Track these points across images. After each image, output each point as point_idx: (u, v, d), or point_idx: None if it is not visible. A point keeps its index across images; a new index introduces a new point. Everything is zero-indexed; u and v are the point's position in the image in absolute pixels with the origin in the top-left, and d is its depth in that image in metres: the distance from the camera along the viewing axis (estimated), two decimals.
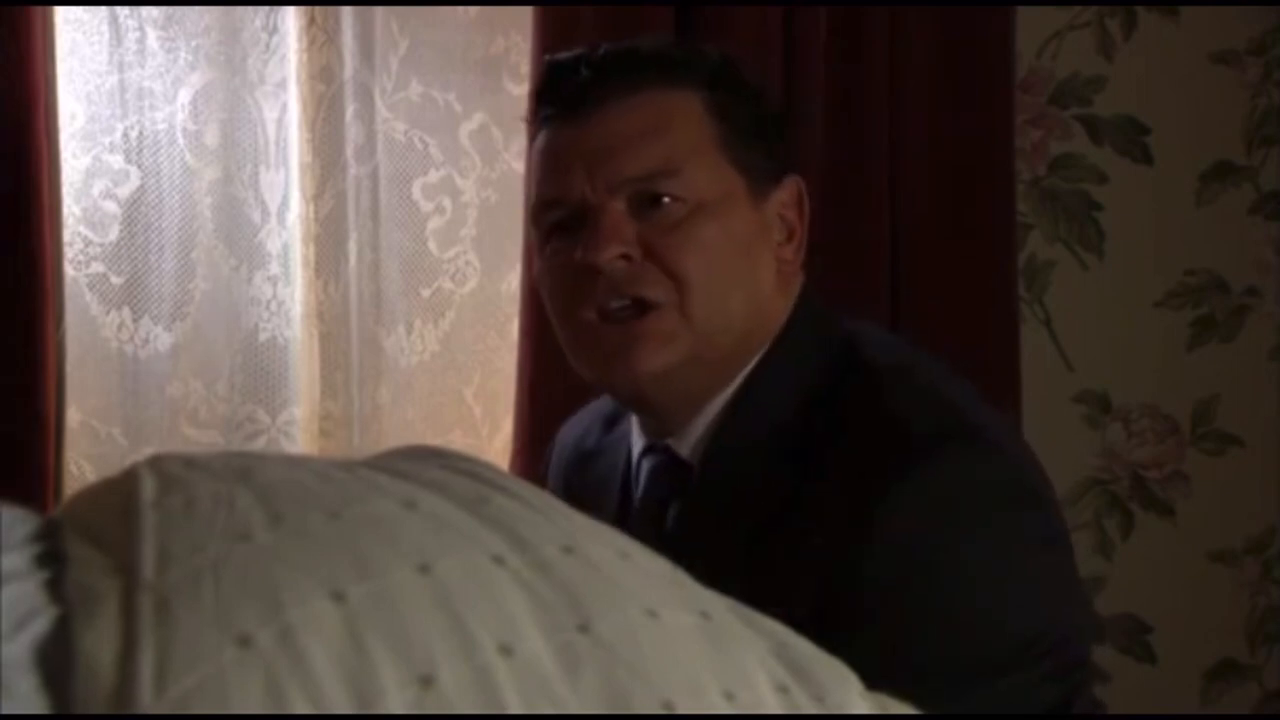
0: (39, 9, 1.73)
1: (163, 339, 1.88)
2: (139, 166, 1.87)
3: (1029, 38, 2.25)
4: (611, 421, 1.40)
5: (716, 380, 1.24)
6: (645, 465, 1.30)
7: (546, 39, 1.89)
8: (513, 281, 2.01)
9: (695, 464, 1.26)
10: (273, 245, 1.92)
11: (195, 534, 0.48)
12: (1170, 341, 2.34)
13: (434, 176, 2.00)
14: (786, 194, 1.28)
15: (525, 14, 1.96)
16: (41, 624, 0.46)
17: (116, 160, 1.86)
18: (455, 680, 0.45)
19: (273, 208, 1.91)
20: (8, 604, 0.46)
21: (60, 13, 1.80)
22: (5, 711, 0.43)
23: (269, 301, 1.92)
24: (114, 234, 1.86)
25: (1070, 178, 2.31)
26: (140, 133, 1.87)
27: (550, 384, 1.82)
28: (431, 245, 2.00)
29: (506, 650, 0.46)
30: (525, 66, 1.99)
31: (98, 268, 1.86)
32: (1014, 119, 2.18)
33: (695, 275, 1.20)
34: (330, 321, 1.94)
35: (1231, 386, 2.35)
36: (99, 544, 0.49)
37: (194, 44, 1.89)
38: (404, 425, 1.99)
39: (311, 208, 1.92)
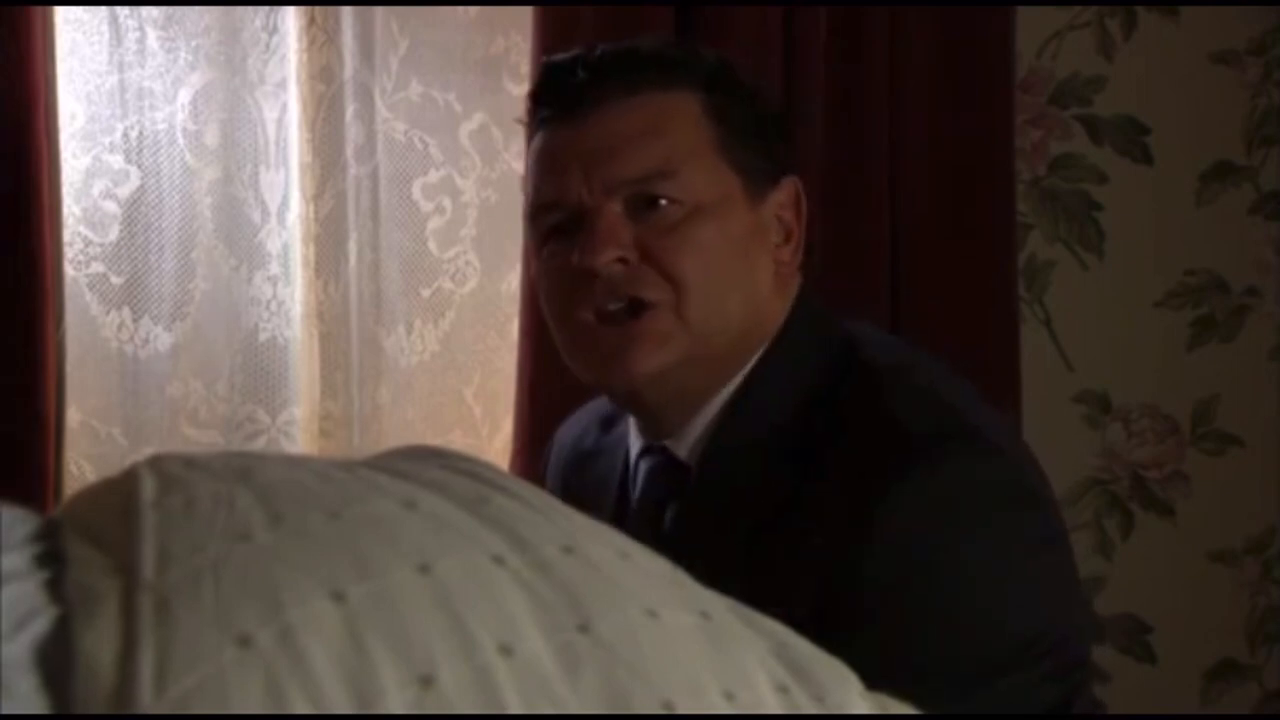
0: (39, 9, 1.73)
1: (163, 339, 1.88)
2: (139, 166, 1.87)
3: (1029, 38, 2.25)
4: (609, 422, 1.40)
5: (713, 381, 1.24)
6: (643, 466, 1.30)
7: (546, 39, 1.89)
8: (513, 281, 2.01)
9: (693, 465, 1.25)
10: (273, 245, 1.92)
11: (195, 534, 0.48)
12: (1170, 341, 2.34)
13: (434, 176, 2.00)
14: (784, 195, 1.27)
15: (525, 14, 1.96)
16: (41, 624, 0.46)
17: (116, 160, 1.86)
18: (455, 680, 0.45)
19: (273, 208, 1.91)
20: (8, 604, 0.46)
21: (60, 13, 1.80)
22: (5, 711, 0.43)
23: (269, 301, 1.92)
24: (114, 234, 1.86)
25: (1070, 178, 2.31)
26: (140, 133, 1.87)
27: (550, 384, 1.82)
28: (431, 245, 2.00)
29: (506, 650, 0.46)
30: (525, 66, 1.99)
31: (98, 268, 1.86)
32: (1014, 119, 2.18)
33: (692, 277, 1.20)
34: (330, 321, 1.94)
35: (1231, 386, 2.35)
36: (99, 544, 0.49)
37: (194, 44, 1.89)
38: (404, 425, 1.99)
39: (311, 208, 1.92)
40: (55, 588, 0.47)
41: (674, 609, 0.52)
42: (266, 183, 1.91)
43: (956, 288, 2.10)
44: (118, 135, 1.86)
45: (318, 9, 1.92)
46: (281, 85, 1.92)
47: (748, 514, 1.19)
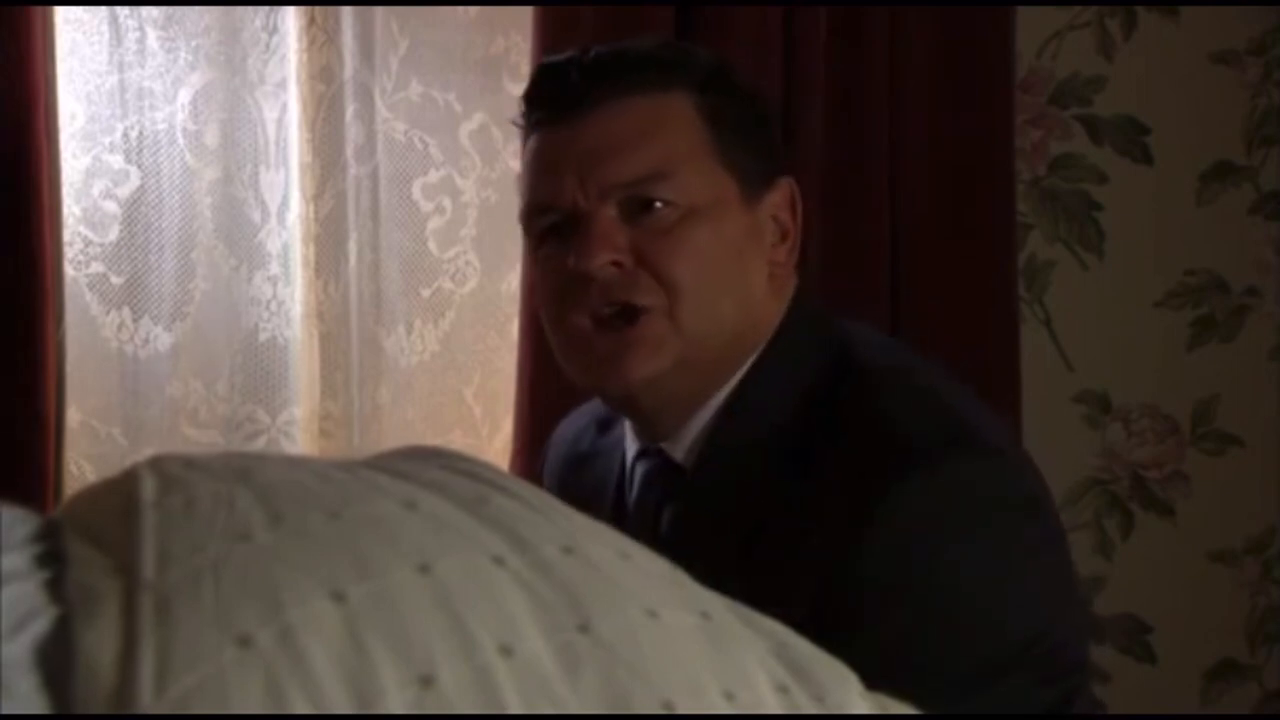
0: (39, 9, 1.73)
1: (163, 339, 1.88)
2: (139, 166, 1.87)
3: (1029, 38, 2.25)
4: (605, 424, 1.40)
5: (708, 384, 1.24)
6: (639, 469, 1.30)
7: (546, 39, 1.89)
8: (513, 281, 2.01)
9: (689, 467, 1.25)
10: (273, 245, 1.92)
11: (195, 534, 0.48)
12: (1170, 341, 2.34)
13: (434, 176, 2.00)
14: (780, 196, 1.27)
15: (525, 14, 1.96)
16: (42, 624, 0.46)
17: (116, 160, 1.86)
18: (455, 680, 0.45)
19: (273, 208, 1.91)
20: (8, 604, 0.46)
21: (60, 13, 1.80)
22: (5, 711, 0.43)
23: (269, 301, 1.92)
24: (114, 234, 1.86)
25: (1070, 178, 2.31)
26: (140, 133, 1.87)
27: (550, 384, 1.82)
28: (431, 245, 2.00)
29: (506, 650, 0.46)
30: (525, 66, 1.99)
31: (98, 268, 1.86)
32: (1014, 119, 2.18)
33: (686, 281, 1.20)
34: (330, 321, 1.94)
35: (1231, 386, 2.35)
36: (99, 544, 0.49)
37: (194, 44, 1.89)
38: (404, 425, 1.99)
39: (311, 208, 1.92)
40: (55, 588, 0.47)
41: (674, 609, 0.52)
42: (266, 183, 1.91)
43: (956, 288, 2.10)
44: (118, 135, 1.86)
45: (318, 9, 1.92)
46: (281, 85, 1.92)
47: (745, 516, 1.19)
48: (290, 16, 1.92)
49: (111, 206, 1.86)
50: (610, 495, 1.34)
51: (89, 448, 1.86)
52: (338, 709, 0.43)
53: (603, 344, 1.21)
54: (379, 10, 1.96)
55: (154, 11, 1.87)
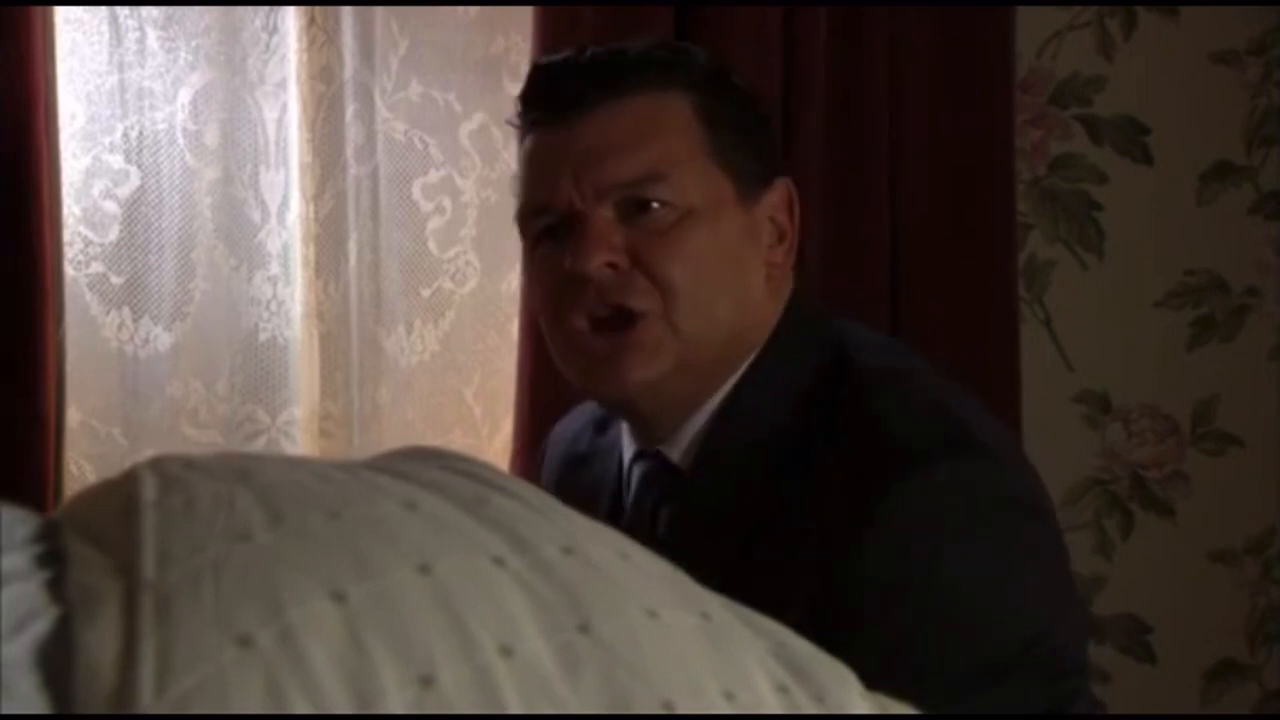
0: (39, 9, 1.73)
1: (163, 339, 1.88)
2: (139, 166, 1.87)
3: (1029, 38, 2.25)
4: (603, 424, 1.39)
5: (705, 386, 1.24)
6: (636, 471, 1.30)
7: (546, 39, 1.89)
8: (513, 281, 2.01)
9: (686, 469, 1.25)
10: (273, 245, 1.92)
11: (195, 534, 0.48)
12: (1170, 341, 2.34)
13: (434, 176, 2.00)
14: (777, 196, 1.27)
15: (525, 14, 1.96)
16: (42, 624, 0.46)
17: (116, 160, 1.86)
18: (455, 680, 0.45)
19: (273, 208, 1.91)
20: (8, 604, 0.46)
21: (60, 13, 1.80)
22: (5, 711, 0.43)
23: (269, 301, 1.92)
24: (114, 234, 1.86)
25: (1070, 178, 2.31)
26: (140, 133, 1.87)
27: (550, 384, 1.82)
28: (431, 245, 2.00)
29: (506, 650, 0.46)
30: (525, 66, 1.98)
31: (98, 268, 1.86)
32: (1014, 119, 2.18)
33: (682, 284, 1.19)
34: (330, 321, 1.94)
35: (1231, 386, 2.35)
36: (100, 544, 0.49)
37: (194, 44, 1.89)
38: (404, 425, 1.99)
39: (311, 208, 1.92)
40: (56, 588, 0.47)
41: (674, 609, 0.52)
42: (266, 183, 1.91)
43: (956, 288, 2.10)
44: (118, 135, 1.86)
45: (318, 9, 1.92)
46: (281, 85, 1.92)
47: (742, 517, 1.19)
48: (290, 16, 1.92)
49: (111, 206, 1.86)
50: (607, 496, 1.33)
51: (89, 448, 1.86)
52: (338, 709, 0.43)
53: (599, 347, 1.21)
54: (379, 10, 1.95)
55: (154, 11, 1.87)
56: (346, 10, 1.93)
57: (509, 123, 1.33)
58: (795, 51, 2.03)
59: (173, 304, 1.88)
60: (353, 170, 1.94)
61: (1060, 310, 2.31)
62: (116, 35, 1.86)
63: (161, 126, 1.88)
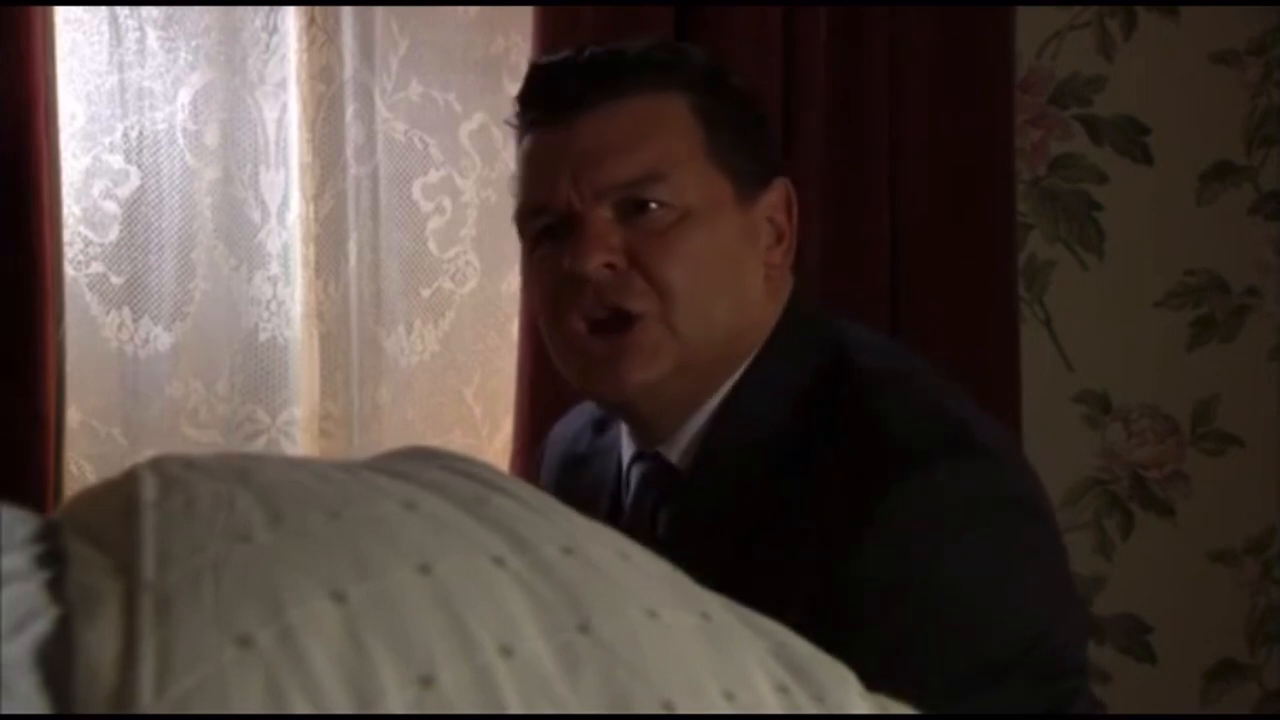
0: (39, 9, 1.73)
1: (163, 339, 1.88)
2: (139, 166, 1.87)
3: (1029, 38, 2.25)
4: (601, 425, 1.39)
5: (704, 388, 1.24)
6: (635, 472, 1.30)
7: (546, 39, 1.89)
8: (513, 281, 2.01)
9: (685, 470, 1.25)
10: (273, 245, 1.92)
11: (195, 534, 0.48)
12: (1170, 341, 2.34)
13: (434, 176, 2.00)
14: (775, 196, 1.26)
15: (525, 14, 1.96)
16: (42, 624, 0.46)
17: (116, 160, 1.86)
18: (455, 680, 0.45)
19: (273, 208, 1.91)
20: (8, 604, 0.46)
21: (60, 13, 1.80)
22: (5, 711, 0.43)
23: (269, 301, 1.92)
24: (114, 234, 1.86)
25: (1070, 178, 2.31)
26: (140, 133, 1.87)
27: (550, 384, 1.81)
28: (431, 245, 2.00)
29: (506, 650, 0.46)
30: (525, 66, 1.98)
31: (98, 268, 1.86)
32: (1014, 119, 2.18)
33: (679, 285, 1.19)
34: (330, 321, 1.94)
35: (1231, 386, 2.35)
36: (100, 544, 0.49)
37: (194, 44, 1.89)
38: (404, 425, 1.99)
39: (311, 208, 1.92)
40: (56, 588, 0.47)
41: (674, 609, 0.52)
42: (266, 183, 1.91)
43: (956, 288, 2.10)
44: (118, 135, 1.86)
45: (318, 9, 1.92)
46: (281, 85, 1.92)
47: (742, 517, 1.19)
48: (290, 16, 1.92)
49: (111, 206, 1.86)
50: (606, 497, 1.33)
51: (89, 448, 1.86)
52: (338, 709, 0.43)
53: (598, 349, 1.21)
54: (379, 10, 1.95)
55: (154, 11, 1.87)
56: (346, 10, 1.93)
57: (507, 123, 1.33)
58: (795, 51, 2.03)
59: (173, 304, 1.88)
60: (353, 170, 1.94)
61: (1060, 310, 2.31)
62: (116, 35, 1.86)
63: (161, 126, 1.88)
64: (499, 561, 0.50)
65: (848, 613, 1.08)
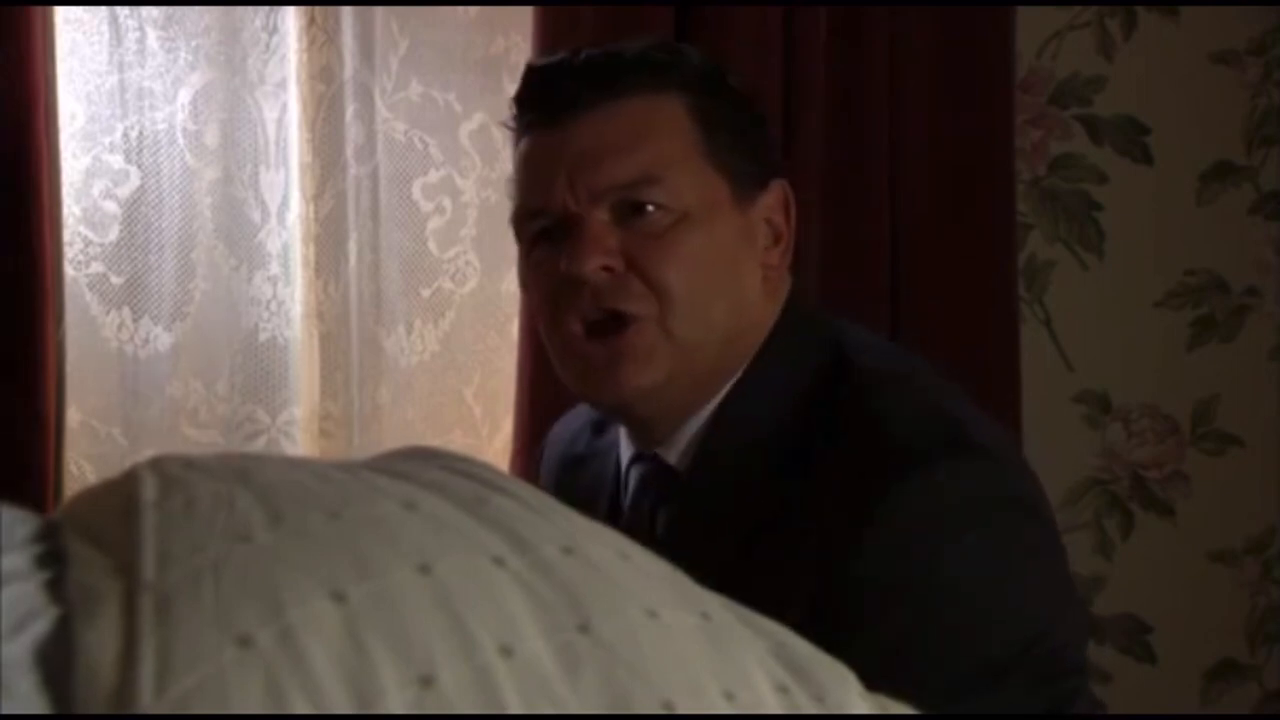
0: (39, 9, 1.73)
1: (163, 339, 1.88)
2: (139, 166, 1.87)
3: (1029, 38, 2.25)
4: (600, 426, 1.39)
5: (703, 390, 1.23)
6: (634, 473, 1.30)
7: (546, 39, 1.89)
8: (513, 281, 2.00)
9: (684, 471, 1.25)
10: (273, 245, 1.92)
11: (195, 534, 0.48)
12: (1170, 341, 2.34)
13: (434, 176, 2.00)
14: (773, 198, 1.26)
15: (525, 14, 1.96)
16: (42, 624, 0.46)
17: (116, 160, 1.86)
18: (455, 680, 0.45)
19: (273, 208, 1.91)
20: (8, 604, 0.46)
21: (60, 13, 1.80)
22: (5, 711, 0.43)
23: (269, 301, 1.92)
24: (114, 234, 1.86)
25: (1070, 178, 2.31)
26: (140, 133, 1.87)
27: (550, 384, 1.81)
28: (431, 245, 2.00)
29: (506, 650, 0.46)
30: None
31: (98, 268, 1.86)
32: (1014, 119, 2.18)
33: (677, 288, 1.19)
34: (330, 321, 1.94)
35: (1231, 386, 2.35)
36: (100, 544, 0.49)
37: (194, 44, 1.89)
38: (404, 425, 1.99)
39: (311, 208, 1.92)
40: (56, 588, 0.47)
41: (674, 609, 0.52)
42: (266, 183, 1.91)
43: (956, 288, 2.10)
44: (118, 135, 1.86)
45: (318, 9, 1.92)
46: (281, 85, 1.92)
47: (740, 518, 1.19)
48: (290, 16, 1.92)
49: (111, 206, 1.86)
50: (605, 497, 1.33)
51: (89, 448, 1.86)
52: (338, 709, 0.43)
53: (595, 352, 1.21)
54: (379, 10, 1.95)
55: (154, 11, 1.87)
56: (346, 10, 1.93)
57: (504, 124, 1.33)
58: (795, 51, 2.03)
59: (173, 304, 1.88)
60: (353, 170, 1.94)
61: (1060, 310, 2.31)
62: (116, 35, 1.86)
63: (161, 126, 1.88)
64: (499, 561, 0.50)
65: (848, 613, 1.08)
